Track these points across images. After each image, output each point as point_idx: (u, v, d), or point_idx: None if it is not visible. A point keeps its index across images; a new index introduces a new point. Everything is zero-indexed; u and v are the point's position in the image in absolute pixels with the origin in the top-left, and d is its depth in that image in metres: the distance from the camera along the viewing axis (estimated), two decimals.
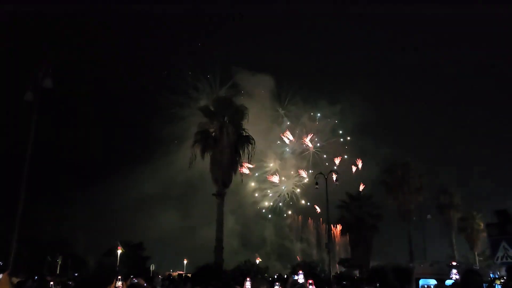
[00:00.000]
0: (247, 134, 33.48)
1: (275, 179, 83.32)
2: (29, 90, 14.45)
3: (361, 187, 71.07)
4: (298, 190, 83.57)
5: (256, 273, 25.49)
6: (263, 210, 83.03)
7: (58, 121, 69.60)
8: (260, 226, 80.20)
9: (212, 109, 33.91)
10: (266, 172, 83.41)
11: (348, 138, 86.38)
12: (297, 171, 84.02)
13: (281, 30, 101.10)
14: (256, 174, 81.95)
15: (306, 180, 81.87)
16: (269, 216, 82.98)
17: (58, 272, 34.11)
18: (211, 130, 32.86)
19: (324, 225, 77.76)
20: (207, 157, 32.59)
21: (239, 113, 33.09)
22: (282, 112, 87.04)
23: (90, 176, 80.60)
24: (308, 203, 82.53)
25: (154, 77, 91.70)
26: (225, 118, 32.63)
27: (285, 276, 29.44)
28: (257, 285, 6.19)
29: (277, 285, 7.24)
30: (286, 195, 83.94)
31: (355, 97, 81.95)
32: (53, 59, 15.05)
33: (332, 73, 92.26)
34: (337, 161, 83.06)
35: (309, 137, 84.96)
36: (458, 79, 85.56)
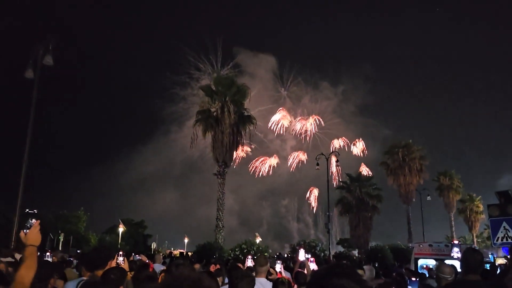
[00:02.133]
0: (249, 114, 33.29)
1: (274, 161, 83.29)
2: (30, 67, 14.32)
3: (362, 168, 70.95)
4: (298, 171, 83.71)
5: (256, 252, 25.69)
6: (263, 191, 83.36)
7: (58, 100, 69.28)
8: (258, 206, 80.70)
9: (214, 88, 33.57)
10: (266, 153, 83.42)
11: (350, 120, 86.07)
12: (297, 152, 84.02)
13: (283, 10, 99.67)
14: (256, 155, 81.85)
15: (305, 161, 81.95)
16: (268, 196, 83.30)
17: (60, 249, 34.47)
18: (213, 109, 32.66)
19: (320, 206, 78.20)
20: (208, 137, 32.52)
21: (241, 93, 32.76)
22: (284, 93, 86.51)
23: (92, 155, 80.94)
24: (300, 184, 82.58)
25: (155, 57, 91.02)
26: (227, 97, 32.32)
27: (286, 256, 29.72)
28: (259, 263, 6.16)
29: (278, 263, 7.21)
30: (286, 176, 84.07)
31: (357, 79, 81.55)
32: (53, 36, 14.81)
33: (335, 55, 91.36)
34: (338, 142, 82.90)
35: (311, 119, 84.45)
36: (458, 61, 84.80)
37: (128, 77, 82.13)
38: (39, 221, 3.49)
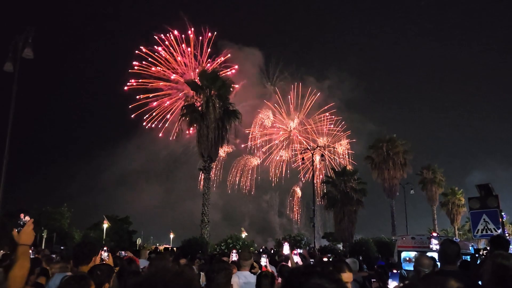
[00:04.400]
0: (234, 109, 33.23)
1: (255, 161, 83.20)
2: (9, 61, 14.06)
3: (346, 163, 71.54)
4: (283, 166, 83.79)
5: (242, 246, 25.83)
6: (246, 186, 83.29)
7: (40, 93, 68.20)
8: (240, 200, 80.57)
9: (199, 82, 33.43)
10: (250, 149, 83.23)
11: (335, 114, 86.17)
12: (280, 148, 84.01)
13: (269, 4, 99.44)
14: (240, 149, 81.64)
15: (288, 157, 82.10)
16: (252, 191, 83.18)
17: (43, 247, 34.03)
18: (198, 104, 32.53)
19: (304, 201, 78.64)
20: (193, 131, 32.41)
21: (226, 87, 32.67)
22: (270, 88, 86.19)
23: (75, 151, 79.96)
24: (282, 181, 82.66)
25: (139, 50, 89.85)
26: (212, 91, 32.21)
27: (271, 250, 29.89)
28: (243, 257, 6.22)
29: (263, 257, 7.29)
30: (268, 171, 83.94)
31: (343, 74, 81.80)
32: (34, 28, 14.55)
33: (321, 49, 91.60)
34: (322, 139, 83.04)
35: (296, 116, 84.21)
36: (441, 58, 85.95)
37: (111, 70, 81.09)
38: (32, 219, 3.39)
